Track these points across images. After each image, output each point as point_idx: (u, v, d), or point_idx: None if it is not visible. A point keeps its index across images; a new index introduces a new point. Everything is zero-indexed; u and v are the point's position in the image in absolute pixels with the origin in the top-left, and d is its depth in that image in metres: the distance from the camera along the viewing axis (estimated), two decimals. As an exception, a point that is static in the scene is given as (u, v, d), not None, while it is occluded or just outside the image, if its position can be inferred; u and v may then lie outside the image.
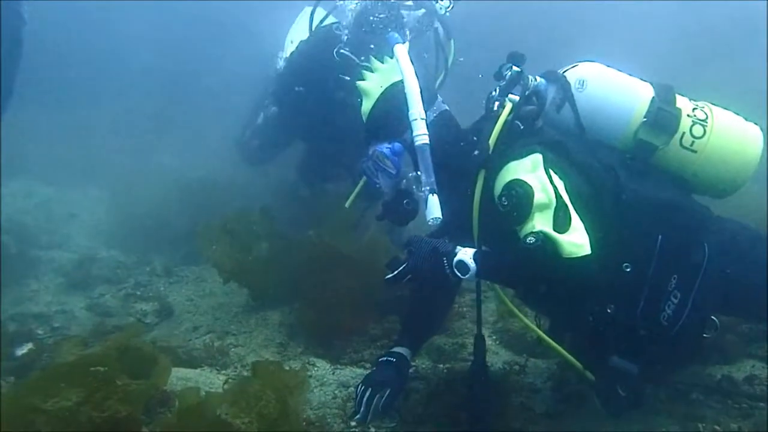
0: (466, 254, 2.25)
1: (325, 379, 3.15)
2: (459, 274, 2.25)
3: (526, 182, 2.21)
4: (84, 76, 9.75)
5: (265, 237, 4.21)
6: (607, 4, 9.25)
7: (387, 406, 2.61)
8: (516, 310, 2.57)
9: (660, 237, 2.33)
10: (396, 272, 2.34)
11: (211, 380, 3.12)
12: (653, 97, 2.45)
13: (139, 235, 5.29)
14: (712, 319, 2.39)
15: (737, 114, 2.53)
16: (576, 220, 2.15)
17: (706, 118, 2.45)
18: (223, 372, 3.29)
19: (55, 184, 6.80)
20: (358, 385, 2.68)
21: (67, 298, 4.31)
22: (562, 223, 2.14)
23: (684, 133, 2.42)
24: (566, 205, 2.17)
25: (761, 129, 2.50)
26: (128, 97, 9.04)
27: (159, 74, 9.47)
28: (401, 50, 2.59)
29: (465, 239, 2.45)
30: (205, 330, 3.91)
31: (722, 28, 8.82)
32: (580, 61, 2.60)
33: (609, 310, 2.34)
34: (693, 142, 2.42)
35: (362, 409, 2.58)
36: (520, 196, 2.18)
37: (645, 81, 2.55)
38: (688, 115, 2.45)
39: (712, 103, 2.55)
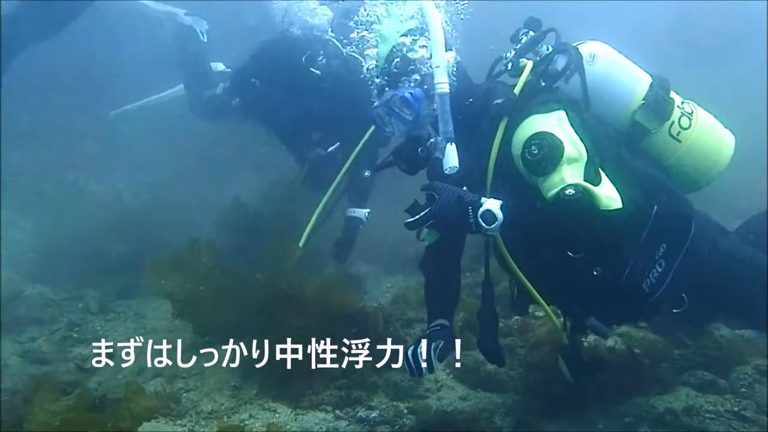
0: (493, 204, 2.22)
1: (288, 427, 3.14)
2: (484, 224, 2.21)
3: (555, 135, 2.25)
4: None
5: (213, 271, 4.10)
6: (602, 4, 9.48)
7: (443, 356, 2.59)
8: (514, 265, 2.53)
9: (656, 207, 2.47)
10: (417, 217, 2.29)
11: (170, 435, 3.05)
12: (653, 83, 2.63)
13: (68, 267, 4.97)
14: (683, 296, 2.57)
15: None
16: (604, 176, 2.24)
17: (692, 112, 2.66)
18: (179, 423, 3.20)
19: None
20: (406, 351, 2.60)
21: (-7, 343, 4.01)
22: (593, 178, 2.22)
23: (673, 122, 2.61)
24: (594, 161, 2.25)
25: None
26: (33, 101, 8.38)
27: (67, 75, 8.83)
28: None
29: (476, 190, 2.44)
30: (152, 373, 3.76)
31: (722, 28, 9.19)
32: (588, 40, 2.72)
33: (595, 273, 2.41)
34: (679, 132, 2.61)
35: (422, 362, 2.49)
36: (551, 147, 2.21)
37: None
38: (678, 107, 2.64)
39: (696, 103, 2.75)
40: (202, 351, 3.86)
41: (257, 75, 4.79)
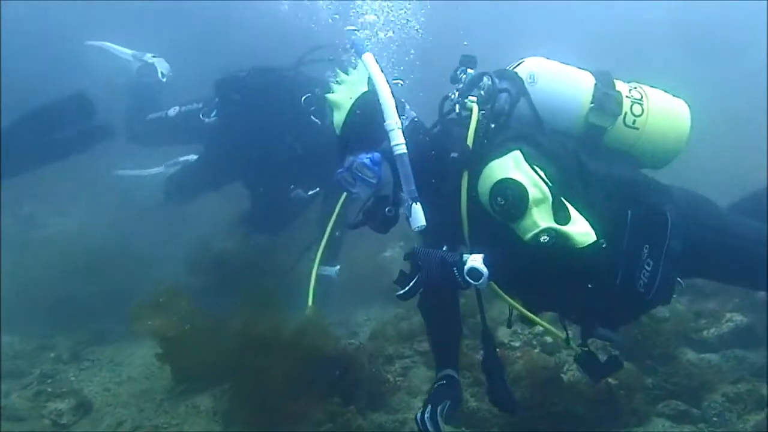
0: (476, 260, 2.28)
1: (278, 480, 3.13)
2: (472, 281, 2.28)
3: (516, 180, 2.30)
4: None
5: (192, 315, 4.07)
6: (604, 5, 9.59)
7: (450, 416, 2.68)
8: (509, 299, 2.60)
9: (630, 212, 2.52)
10: (407, 288, 2.33)
11: (157, 496, 3.01)
12: (596, 83, 2.69)
13: (35, 313, 4.82)
14: (678, 281, 2.65)
15: (665, 91, 2.84)
16: (572, 210, 2.28)
17: (641, 97, 2.73)
18: (165, 480, 3.16)
19: None
20: (416, 415, 2.69)
21: (-38, 401, 3.86)
22: (562, 216, 2.26)
23: (626, 113, 2.68)
24: (559, 197, 2.29)
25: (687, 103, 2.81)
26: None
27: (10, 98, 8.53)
28: (370, 59, 2.62)
29: (455, 241, 2.53)
30: (131, 425, 3.69)
31: (722, 28, 9.31)
32: (522, 58, 2.79)
33: (590, 286, 2.43)
34: (635, 120, 2.69)
35: (429, 427, 2.59)
36: (515, 194, 2.27)
37: (583, 69, 2.79)
38: (627, 96, 2.71)
39: (641, 83, 2.83)
40: (182, 399, 3.91)
41: (245, 94, 4.81)
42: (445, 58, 3.05)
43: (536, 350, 4.13)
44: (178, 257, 5.41)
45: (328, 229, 3.45)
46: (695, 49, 9.13)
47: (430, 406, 2.65)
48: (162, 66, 5.90)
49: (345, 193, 3.17)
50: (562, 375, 3.65)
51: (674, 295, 2.68)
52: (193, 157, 5.53)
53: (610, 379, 3.59)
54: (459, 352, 3.03)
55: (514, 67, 2.77)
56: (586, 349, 2.80)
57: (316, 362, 3.73)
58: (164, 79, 5.88)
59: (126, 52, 6.03)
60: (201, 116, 5.18)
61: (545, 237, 2.20)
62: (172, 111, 5.44)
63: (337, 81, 2.71)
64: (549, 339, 4.25)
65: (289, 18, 7.68)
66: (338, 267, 4.99)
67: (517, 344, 4.25)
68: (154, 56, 5.96)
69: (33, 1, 8.57)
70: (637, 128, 2.69)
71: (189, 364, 3.96)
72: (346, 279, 5.32)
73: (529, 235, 2.25)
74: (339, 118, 2.59)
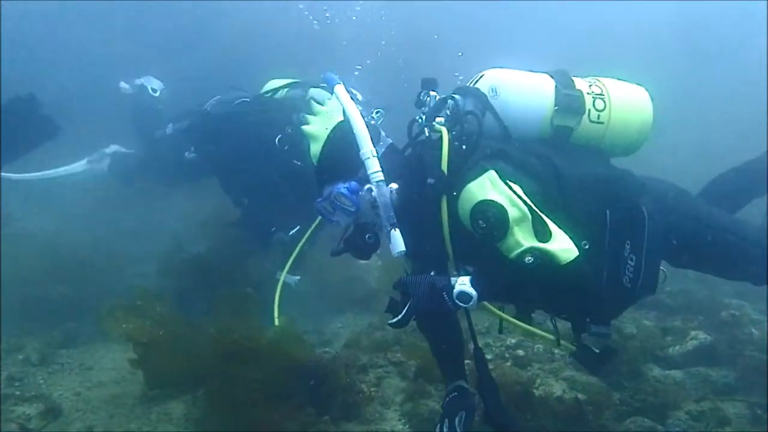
0: (464, 284, 2.33)
1: (250, 490, 3.14)
2: (462, 304, 2.33)
3: (495, 201, 2.34)
4: None
5: (167, 320, 4.04)
6: (608, 5, 9.68)
7: (467, 426, 2.75)
8: (500, 313, 2.76)
9: (608, 212, 2.58)
10: (400, 317, 2.37)
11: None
12: (556, 86, 2.74)
13: (2, 315, 4.70)
14: (662, 270, 2.72)
15: (621, 79, 2.90)
16: (552, 225, 2.33)
17: (602, 91, 2.79)
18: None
19: None
20: (436, 426, 2.78)
21: (-74, 406, 3.76)
22: (542, 232, 2.31)
23: (589, 109, 2.73)
24: (538, 213, 2.34)
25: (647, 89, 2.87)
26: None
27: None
28: (342, 90, 2.65)
29: (441, 263, 2.60)
30: (101, 430, 3.66)
31: (723, 29, 9.41)
32: (482, 71, 2.84)
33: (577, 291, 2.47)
34: (599, 115, 2.74)
35: None
36: (496, 216, 2.31)
37: (541, 72, 2.84)
38: (588, 93, 2.76)
39: (599, 76, 2.89)
40: (154, 405, 3.88)
41: (218, 143, 4.87)
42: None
43: (508, 363, 4.21)
44: (151, 258, 5.36)
45: (299, 245, 3.50)
46: (695, 49, 9.26)
47: (447, 420, 2.72)
48: (150, 83, 6.16)
49: (317, 220, 3.22)
50: (534, 390, 3.73)
51: (660, 283, 2.74)
52: (118, 147, 5.87)
53: (579, 395, 3.72)
54: (464, 362, 3.06)
55: (475, 82, 2.82)
56: (578, 344, 2.84)
57: (291, 371, 3.74)
58: (157, 94, 6.14)
59: (128, 88, 6.27)
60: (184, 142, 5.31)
61: (529, 258, 2.25)
62: (169, 129, 5.62)
63: (312, 112, 2.74)
64: (521, 352, 4.35)
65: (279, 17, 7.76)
66: (298, 277, 5.00)
67: (489, 357, 4.32)
68: (140, 78, 6.23)
69: (33, 1, 8.45)
70: (602, 122, 2.76)
71: (162, 369, 3.94)
72: (321, 286, 5.34)
73: (514, 254, 2.30)
74: (316, 148, 2.62)
